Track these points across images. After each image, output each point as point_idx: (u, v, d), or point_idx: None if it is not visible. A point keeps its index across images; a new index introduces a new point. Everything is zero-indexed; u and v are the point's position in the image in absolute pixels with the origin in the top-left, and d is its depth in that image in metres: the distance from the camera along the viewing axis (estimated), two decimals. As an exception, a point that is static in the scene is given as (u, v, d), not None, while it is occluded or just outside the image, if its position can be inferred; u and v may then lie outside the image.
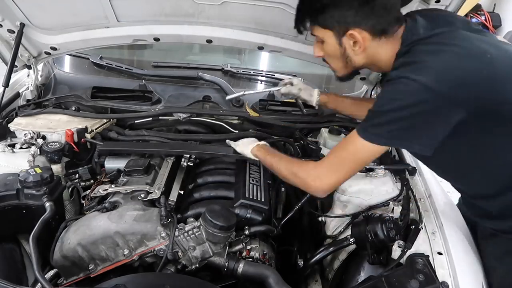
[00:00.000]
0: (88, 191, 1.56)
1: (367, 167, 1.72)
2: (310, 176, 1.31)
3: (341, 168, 1.27)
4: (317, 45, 1.37)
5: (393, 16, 1.24)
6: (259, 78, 2.40)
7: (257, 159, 1.57)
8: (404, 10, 1.63)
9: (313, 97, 1.88)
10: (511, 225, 1.37)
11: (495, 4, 6.48)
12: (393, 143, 1.24)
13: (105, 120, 1.94)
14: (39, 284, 1.08)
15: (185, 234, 1.30)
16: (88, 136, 1.79)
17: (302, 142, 1.92)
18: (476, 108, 1.12)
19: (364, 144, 1.20)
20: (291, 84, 1.90)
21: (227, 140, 1.71)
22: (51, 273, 1.33)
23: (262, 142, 1.62)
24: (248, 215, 1.44)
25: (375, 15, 1.21)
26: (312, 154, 1.89)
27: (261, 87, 2.40)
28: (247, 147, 1.59)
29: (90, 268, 1.29)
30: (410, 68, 1.14)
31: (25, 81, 2.20)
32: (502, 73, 1.15)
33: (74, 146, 1.73)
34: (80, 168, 1.71)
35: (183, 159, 1.71)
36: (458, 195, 1.68)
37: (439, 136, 1.16)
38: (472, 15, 6.16)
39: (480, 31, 1.27)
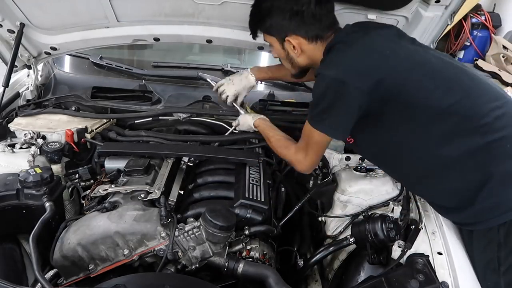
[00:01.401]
0: (88, 191, 1.56)
1: (367, 167, 1.73)
2: (293, 160, 1.53)
3: (312, 152, 1.47)
4: (271, 48, 1.58)
5: (325, 23, 1.44)
6: (259, 78, 2.39)
7: (256, 129, 1.75)
8: (404, 10, 1.64)
9: (249, 79, 1.94)
10: (462, 217, 1.36)
11: (495, 4, 6.47)
12: (326, 131, 1.39)
13: (105, 120, 1.94)
14: (39, 284, 1.08)
15: (185, 234, 1.30)
16: (88, 136, 1.79)
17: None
18: (377, 94, 1.28)
19: (315, 131, 1.39)
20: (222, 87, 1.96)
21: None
22: (51, 273, 1.32)
23: (263, 116, 1.78)
24: (248, 215, 1.44)
25: (306, 24, 1.42)
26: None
27: (261, 87, 2.40)
28: (248, 121, 1.77)
29: (90, 268, 1.29)
30: (323, 64, 1.39)
31: (25, 81, 2.20)
32: (399, 66, 1.31)
33: (74, 146, 1.73)
34: (80, 168, 1.71)
35: (183, 160, 1.71)
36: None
37: (349, 121, 1.35)
38: (472, 15, 6.15)
39: (408, 39, 1.44)
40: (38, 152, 1.64)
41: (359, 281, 1.40)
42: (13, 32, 1.84)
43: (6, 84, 1.86)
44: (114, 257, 1.30)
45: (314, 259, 1.51)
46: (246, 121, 1.79)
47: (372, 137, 1.45)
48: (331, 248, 1.51)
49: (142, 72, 2.30)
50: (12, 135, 1.75)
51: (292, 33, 1.44)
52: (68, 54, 2.25)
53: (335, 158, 1.81)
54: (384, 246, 1.41)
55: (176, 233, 1.29)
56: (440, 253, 1.31)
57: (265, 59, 2.48)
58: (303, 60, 1.52)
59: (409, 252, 1.30)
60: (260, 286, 1.29)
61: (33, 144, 1.66)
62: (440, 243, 1.35)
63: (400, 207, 1.55)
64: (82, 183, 1.69)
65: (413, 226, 1.44)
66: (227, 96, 1.92)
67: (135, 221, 1.31)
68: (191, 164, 1.70)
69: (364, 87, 1.28)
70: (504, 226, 1.24)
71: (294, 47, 1.47)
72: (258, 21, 1.52)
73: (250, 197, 1.47)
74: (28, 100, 2.08)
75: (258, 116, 1.78)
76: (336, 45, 1.39)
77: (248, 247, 1.42)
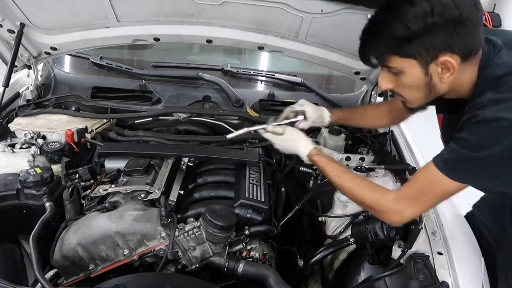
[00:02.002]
0: (88, 191, 1.56)
1: (367, 167, 1.73)
2: (389, 210, 1.23)
3: (421, 203, 1.19)
4: (388, 76, 1.18)
5: (481, 34, 1.08)
6: (259, 78, 2.40)
7: (309, 162, 1.43)
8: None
9: (324, 118, 1.67)
10: None
11: (495, 4, 6.47)
12: (483, 184, 1.16)
13: (105, 120, 1.94)
14: (39, 284, 1.08)
15: (185, 234, 1.30)
16: (88, 136, 1.79)
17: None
18: None
19: (447, 181, 1.11)
20: (303, 114, 1.63)
21: (260, 131, 1.49)
22: (51, 273, 1.33)
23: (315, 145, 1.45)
24: (248, 215, 1.44)
25: (468, 35, 1.04)
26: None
27: (261, 87, 2.40)
28: (301, 144, 1.42)
29: (90, 268, 1.29)
30: (503, 107, 1.01)
31: (25, 81, 2.20)
32: None
33: (74, 146, 1.73)
34: (80, 168, 1.71)
35: (183, 160, 1.71)
36: (459, 194, 1.68)
37: None
38: (472, 15, 6.16)
39: None
40: (38, 152, 1.64)
41: (359, 281, 1.40)
42: (13, 32, 1.84)
43: (6, 84, 1.86)
44: (114, 257, 1.30)
45: (314, 259, 1.51)
46: (294, 148, 1.44)
47: None
48: (331, 248, 1.51)
49: (142, 72, 2.29)
50: (12, 135, 1.75)
51: (450, 49, 1.04)
52: (68, 54, 2.25)
53: (335, 158, 1.81)
54: (384, 246, 1.41)
55: (176, 233, 1.29)
56: (440, 253, 1.31)
57: (265, 59, 2.48)
58: (446, 86, 1.13)
59: (409, 252, 1.30)
60: (260, 286, 1.29)
61: (33, 144, 1.66)
62: (440, 243, 1.35)
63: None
64: (82, 183, 1.69)
65: (413, 226, 1.43)
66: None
67: (135, 221, 1.31)
68: (191, 164, 1.70)
69: None
70: None
71: (444, 69, 1.08)
72: (400, 40, 1.06)
73: (250, 197, 1.47)
74: (28, 100, 2.08)
75: (309, 144, 1.44)
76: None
77: (248, 247, 1.42)
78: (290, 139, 1.44)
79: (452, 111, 1.25)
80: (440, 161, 1.12)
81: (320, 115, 1.66)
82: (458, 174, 1.10)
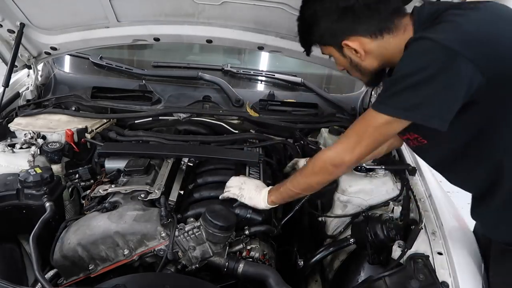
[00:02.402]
0: (88, 191, 1.56)
1: (367, 167, 1.72)
2: (328, 160, 1.23)
3: (359, 143, 1.17)
4: (334, 60, 1.32)
5: (387, 11, 1.15)
6: (259, 78, 2.40)
7: (274, 205, 1.43)
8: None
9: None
10: None
11: (495, 4, 6.48)
12: (411, 115, 1.07)
13: (105, 120, 1.94)
14: (39, 284, 1.08)
15: (185, 234, 1.30)
16: (88, 136, 1.80)
17: (302, 142, 1.92)
18: (495, 74, 1.02)
19: (381, 117, 1.10)
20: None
21: (220, 196, 1.47)
22: (51, 273, 1.33)
23: (268, 188, 1.44)
24: (248, 215, 1.44)
25: (362, 19, 1.15)
26: (312, 154, 1.89)
27: (261, 87, 2.40)
28: (259, 199, 1.42)
29: (90, 268, 1.29)
30: (430, 29, 1.05)
31: (25, 81, 2.20)
32: None
33: (74, 146, 1.73)
34: (80, 168, 1.71)
35: (183, 160, 1.71)
36: (459, 194, 1.68)
37: (456, 104, 1.04)
38: (472, 15, 6.16)
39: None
40: (38, 152, 1.64)
41: (359, 281, 1.40)
42: (13, 32, 1.84)
43: (6, 84, 1.86)
44: (114, 257, 1.30)
45: (314, 259, 1.51)
46: (256, 205, 1.42)
47: (465, 136, 1.15)
48: (331, 248, 1.51)
49: (142, 72, 2.30)
50: (12, 135, 1.75)
51: (348, 35, 1.17)
52: (68, 54, 2.25)
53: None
54: (384, 246, 1.41)
55: (176, 233, 1.29)
56: (440, 253, 1.31)
57: (265, 59, 2.48)
58: (371, 62, 1.22)
59: (409, 252, 1.30)
60: (260, 286, 1.29)
61: (33, 144, 1.66)
62: (440, 243, 1.35)
63: (400, 207, 1.55)
64: (82, 183, 1.69)
65: (413, 226, 1.43)
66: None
67: (135, 221, 1.31)
68: (191, 164, 1.70)
69: (480, 63, 1.00)
70: None
71: (355, 50, 1.19)
72: (306, 33, 1.27)
73: (250, 197, 1.46)
74: (28, 100, 2.08)
75: (264, 191, 1.42)
76: (442, 14, 1.09)
77: (248, 247, 1.42)
78: (250, 199, 1.42)
79: None
80: (376, 100, 1.15)
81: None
82: (388, 108, 1.08)
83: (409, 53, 1.08)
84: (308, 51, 1.34)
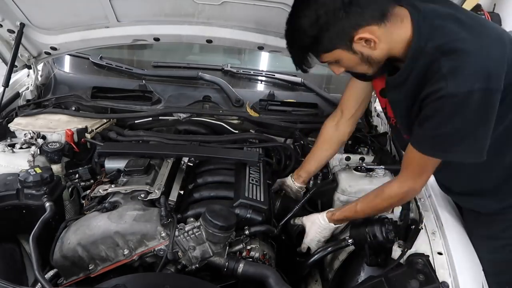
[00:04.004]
0: (88, 191, 1.56)
1: (367, 167, 1.72)
2: (401, 190, 1.35)
3: (423, 173, 1.32)
4: (333, 66, 1.30)
5: None
6: (259, 78, 2.40)
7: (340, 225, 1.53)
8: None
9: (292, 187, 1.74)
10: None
11: (495, 4, 6.46)
12: (453, 156, 1.23)
13: (105, 120, 1.94)
14: (39, 284, 1.08)
15: (185, 234, 1.30)
16: (88, 136, 1.80)
17: (302, 142, 1.92)
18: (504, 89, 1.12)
19: (431, 159, 1.25)
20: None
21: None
22: (51, 273, 1.33)
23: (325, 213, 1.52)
24: (248, 215, 1.44)
25: (366, 7, 1.14)
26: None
27: (261, 87, 2.40)
28: (318, 223, 1.52)
29: (90, 268, 1.29)
30: (449, 78, 1.09)
31: (25, 81, 2.20)
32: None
33: (74, 146, 1.73)
34: (80, 168, 1.71)
35: (183, 160, 1.71)
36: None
37: (489, 134, 1.16)
38: (472, 15, 6.15)
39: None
40: (38, 152, 1.64)
41: (359, 281, 1.40)
42: (13, 32, 1.84)
43: (6, 84, 1.86)
44: (114, 257, 1.30)
45: (313, 259, 1.51)
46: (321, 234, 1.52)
47: None
48: (329, 249, 1.51)
49: (142, 72, 2.29)
50: (12, 135, 1.75)
51: (359, 27, 1.14)
52: (68, 54, 2.25)
53: (335, 158, 1.81)
54: (383, 247, 1.41)
55: (176, 233, 1.29)
56: (440, 253, 1.31)
57: (265, 59, 2.48)
58: (382, 51, 1.21)
59: (409, 252, 1.30)
60: (260, 286, 1.29)
61: (33, 144, 1.66)
62: (440, 243, 1.35)
63: (400, 207, 1.54)
64: (82, 183, 1.70)
65: (413, 226, 1.43)
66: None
67: (135, 221, 1.31)
68: (191, 164, 1.70)
69: (501, 87, 1.10)
70: None
71: (367, 40, 1.16)
72: (311, 47, 1.21)
73: (250, 197, 1.47)
74: (28, 100, 2.08)
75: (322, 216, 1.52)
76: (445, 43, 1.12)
77: (248, 247, 1.42)
78: (311, 229, 1.54)
79: (390, 73, 1.32)
80: (419, 146, 1.24)
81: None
82: (433, 151, 1.22)
83: (444, 105, 1.12)
84: (304, 68, 1.29)
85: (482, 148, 1.17)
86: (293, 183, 1.73)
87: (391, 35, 1.18)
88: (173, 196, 1.49)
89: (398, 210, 1.55)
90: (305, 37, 1.18)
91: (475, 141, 1.17)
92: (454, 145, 1.18)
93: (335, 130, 1.70)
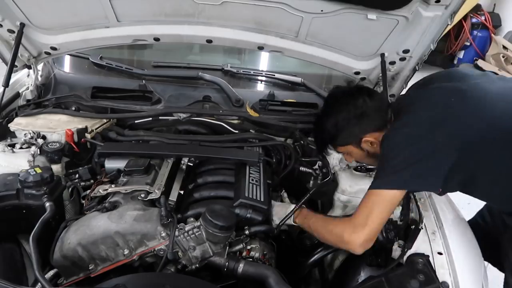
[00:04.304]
0: (88, 191, 1.56)
1: (368, 167, 1.73)
2: (345, 231, 1.33)
3: (370, 221, 1.30)
4: (346, 156, 1.66)
5: (385, 110, 1.51)
6: (259, 78, 2.40)
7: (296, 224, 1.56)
8: (404, 10, 1.64)
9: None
10: None
11: (495, 4, 6.47)
12: (409, 186, 1.34)
13: (105, 120, 1.94)
14: (39, 284, 1.08)
15: (185, 234, 1.30)
16: (88, 136, 1.79)
17: (302, 142, 1.92)
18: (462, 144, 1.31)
19: (385, 193, 1.32)
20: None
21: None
22: (51, 273, 1.32)
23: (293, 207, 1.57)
24: (248, 215, 1.44)
25: (373, 118, 1.48)
26: (312, 154, 1.89)
27: (261, 87, 2.40)
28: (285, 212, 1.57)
29: (90, 268, 1.29)
30: (397, 125, 1.40)
31: (25, 81, 2.20)
32: (468, 108, 1.36)
33: (74, 146, 1.73)
34: (80, 168, 1.70)
35: (183, 160, 1.71)
36: (459, 194, 1.68)
37: (441, 173, 1.32)
38: (472, 15, 6.15)
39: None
40: (38, 152, 1.64)
41: (359, 281, 1.40)
42: (13, 32, 1.84)
43: (6, 84, 1.86)
44: (114, 257, 1.30)
45: (313, 259, 1.51)
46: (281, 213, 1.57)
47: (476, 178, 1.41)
48: (329, 249, 1.51)
49: (142, 72, 2.29)
50: (12, 135, 1.75)
51: (366, 132, 1.49)
52: (68, 54, 2.25)
53: (335, 158, 1.81)
54: (383, 247, 1.41)
55: (176, 233, 1.29)
56: (440, 253, 1.31)
57: (265, 59, 2.48)
58: (379, 148, 1.48)
59: (409, 252, 1.30)
60: (260, 286, 1.29)
61: (33, 144, 1.66)
62: (440, 243, 1.35)
63: (400, 207, 1.55)
64: (82, 183, 1.69)
65: (413, 226, 1.43)
66: None
67: (135, 221, 1.31)
68: (191, 164, 1.70)
69: (444, 141, 1.30)
70: None
71: (371, 143, 1.50)
72: (330, 141, 1.59)
73: (250, 196, 1.47)
74: (28, 100, 2.08)
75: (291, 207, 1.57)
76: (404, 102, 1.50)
77: (248, 247, 1.42)
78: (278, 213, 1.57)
79: None
80: (377, 181, 1.35)
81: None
82: (382, 182, 1.33)
83: (391, 142, 1.38)
84: (326, 152, 1.75)
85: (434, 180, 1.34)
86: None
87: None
88: (173, 196, 1.49)
89: (398, 210, 1.55)
90: (326, 134, 1.57)
91: (425, 173, 1.32)
92: (409, 174, 1.31)
93: None
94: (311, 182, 1.84)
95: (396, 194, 1.31)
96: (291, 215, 1.58)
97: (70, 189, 1.63)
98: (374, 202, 1.31)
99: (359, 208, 1.34)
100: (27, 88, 2.11)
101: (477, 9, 6.13)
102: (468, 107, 1.36)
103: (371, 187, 1.34)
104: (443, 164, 1.31)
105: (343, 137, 1.52)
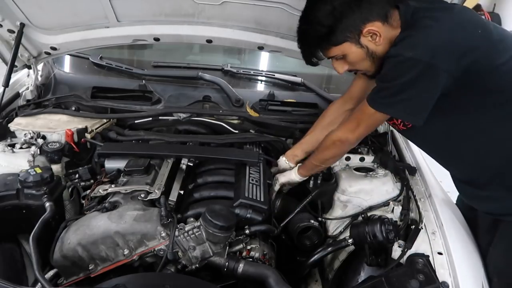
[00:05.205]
0: (88, 191, 1.56)
1: (368, 167, 1.73)
2: (336, 138, 1.50)
3: (358, 127, 1.43)
4: (338, 62, 1.41)
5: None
6: (259, 78, 2.40)
7: (305, 177, 1.70)
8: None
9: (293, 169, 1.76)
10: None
11: (495, 4, 6.47)
12: (393, 112, 1.35)
13: (105, 120, 1.94)
14: (39, 284, 1.08)
15: (185, 234, 1.30)
16: (88, 136, 1.79)
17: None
18: (463, 74, 1.21)
19: (372, 110, 1.35)
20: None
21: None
22: (51, 273, 1.32)
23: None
24: (248, 215, 1.44)
25: (374, 4, 1.28)
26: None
27: (261, 87, 2.40)
28: (292, 175, 1.71)
29: (90, 268, 1.29)
30: (404, 44, 1.25)
31: (25, 81, 2.20)
32: (490, 44, 1.25)
33: (74, 146, 1.73)
34: (80, 168, 1.70)
35: (183, 160, 1.71)
36: (458, 194, 1.68)
37: (431, 103, 1.27)
38: (472, 15, 6.15)
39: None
40: (38, 152, 1.64)
41: (359, 281, 1.40)
42: (13, 32, 1.84)
43: (6, 84, 1.86)
44: (114, 257, 1.30)
45: (313, 259, 1.51)
46: (290, 179, 1.71)
47: (444, 123, 1.38)
48: (329, 249, 1.51)
49: (142, 72, 2.29)
50: (12, 135, 1.75)
51: (367, 20, 1.27)
52: (68, 54, 2.25)
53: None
54: (383, 247, 1.41)
55: (176, 233, 1.29)
56: (440, 253, 1.31)
57: (265, 59, 2.48)
58: (384, 47, 1.32)
59: (409, 252, 1.30)
60: (260, 286, 1.29)
61: (33, 144, 1.66)
62: (440, 243, 1.35)
63: (400, 207, 1.55)
64: (82, 183, 1.69)
65: (413, 226, 1.43)
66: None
67: (135, 221, 1.31)
68: (191, 164, 1.70)
69: (453, 70, 1.20)
70: None
71: (373, 35, 1.29)
72: (324, 36, 1.32)
73: (250, 197, 1.47)
74: (28, 100, 2.08)
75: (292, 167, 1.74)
76: (418, 16, 1.26)
77: (248, 247, 1.42)
78: (288, 179, 1.72)
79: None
80: (370, 98, 1.36)
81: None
82: (375, 104, 1.34)
83: (393, 64, 1.26)
84: (317, 59, 1.44)
85: (420, 112, 1.28)
86: (287, 163, 1.78)
87: (389, 35, 1.31)
88: (173, 196, 1.49)
89: (398, 210, 1.55)
90: (320, 28, 1.30)
91: (415, 103, 1.27)
92: (396, 102, 1.28)
93: (341, 113, 1.76)
94: (311, 182, 1.84)
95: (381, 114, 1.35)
96: (291, 215, 1.59)
97: (70, 189, 1.63)
98: (369, 116, 1.38)
99: (356, 113, 1.45)
100: (27, 88, 2.11)
101: (477, 9, 6.13)
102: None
103: (369, 103, 1.35)
104: (435, 97, 1.26)
105: (341, 30, 1.28)
